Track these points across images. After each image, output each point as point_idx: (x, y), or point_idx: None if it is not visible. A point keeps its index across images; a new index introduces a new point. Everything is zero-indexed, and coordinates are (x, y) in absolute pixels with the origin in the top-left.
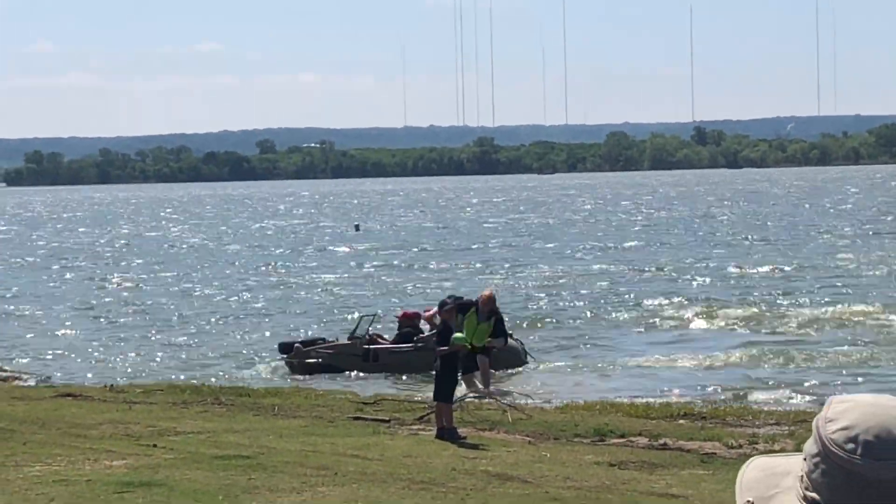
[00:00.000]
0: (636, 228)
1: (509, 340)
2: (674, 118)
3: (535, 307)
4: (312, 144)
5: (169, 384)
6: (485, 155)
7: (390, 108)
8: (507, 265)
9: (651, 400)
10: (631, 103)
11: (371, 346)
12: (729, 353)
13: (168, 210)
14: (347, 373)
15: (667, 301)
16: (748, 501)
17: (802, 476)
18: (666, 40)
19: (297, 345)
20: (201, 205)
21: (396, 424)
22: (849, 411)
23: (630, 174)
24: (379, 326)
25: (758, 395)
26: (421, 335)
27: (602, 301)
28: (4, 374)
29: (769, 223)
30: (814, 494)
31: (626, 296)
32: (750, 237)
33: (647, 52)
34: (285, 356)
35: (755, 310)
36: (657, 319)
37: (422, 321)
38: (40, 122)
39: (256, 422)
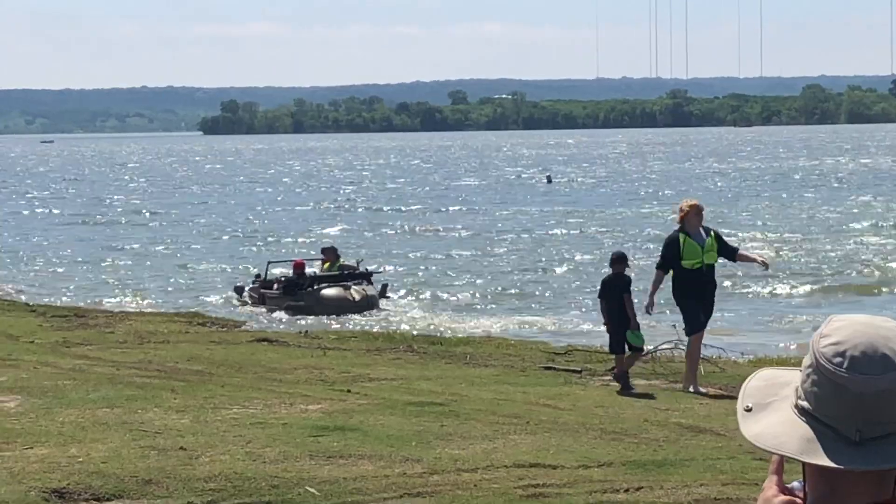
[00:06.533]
0: None
1: (348, 289)
2: (871, 71)
3: None
4: (504, 96)
5: (363, 331)
6: (677, 107)
7: (582, 59)
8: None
9: None
10: (827, 55)
11: (262, 290)
12: None
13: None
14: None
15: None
16: (747, 407)
17: (797, 387)
18: None
19: (238, 285)
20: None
21: (588, 375)
22: (842, 328)
23: (839, 128)
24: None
25: None
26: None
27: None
28: (202, 319)
29: None
30: (805, 403)
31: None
32: None
33: (845, 2)
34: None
35: None
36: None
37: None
38: (235, 72)
39: (449, 370)
